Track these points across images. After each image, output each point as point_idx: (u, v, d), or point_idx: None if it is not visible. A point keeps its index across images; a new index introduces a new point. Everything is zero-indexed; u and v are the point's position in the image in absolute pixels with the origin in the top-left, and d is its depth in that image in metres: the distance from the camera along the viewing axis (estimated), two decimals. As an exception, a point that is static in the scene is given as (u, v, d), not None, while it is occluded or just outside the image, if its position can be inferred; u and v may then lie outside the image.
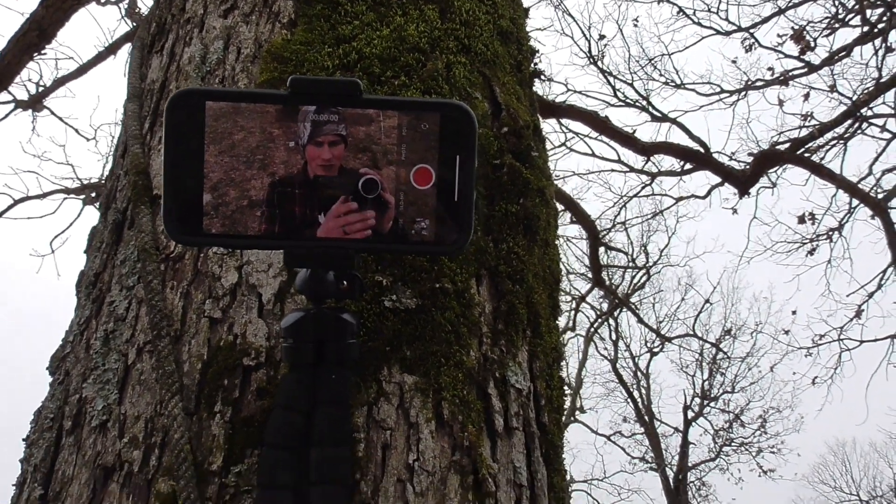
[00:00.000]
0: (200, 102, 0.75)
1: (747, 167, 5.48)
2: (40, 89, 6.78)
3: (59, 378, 1.06)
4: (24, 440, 1.07)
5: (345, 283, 0.82)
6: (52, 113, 7.31)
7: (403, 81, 1.09)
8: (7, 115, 6.53)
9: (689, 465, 17.77)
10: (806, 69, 7.39)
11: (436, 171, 0.77)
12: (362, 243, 0.76)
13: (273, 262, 0.98)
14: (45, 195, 6.86)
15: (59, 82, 6.70)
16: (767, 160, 4.08)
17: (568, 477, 1.02)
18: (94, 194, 7.70)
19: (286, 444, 0.79)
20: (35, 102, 6.95)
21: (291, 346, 0.81)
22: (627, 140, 3.85)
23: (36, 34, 3.11)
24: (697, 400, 18.11)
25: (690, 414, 18.11)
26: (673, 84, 8.93)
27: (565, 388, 1.12)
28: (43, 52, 3.23)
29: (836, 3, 7.27)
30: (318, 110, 0.76)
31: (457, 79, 1.13)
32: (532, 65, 1.42)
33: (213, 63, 1.17)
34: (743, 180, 3.94)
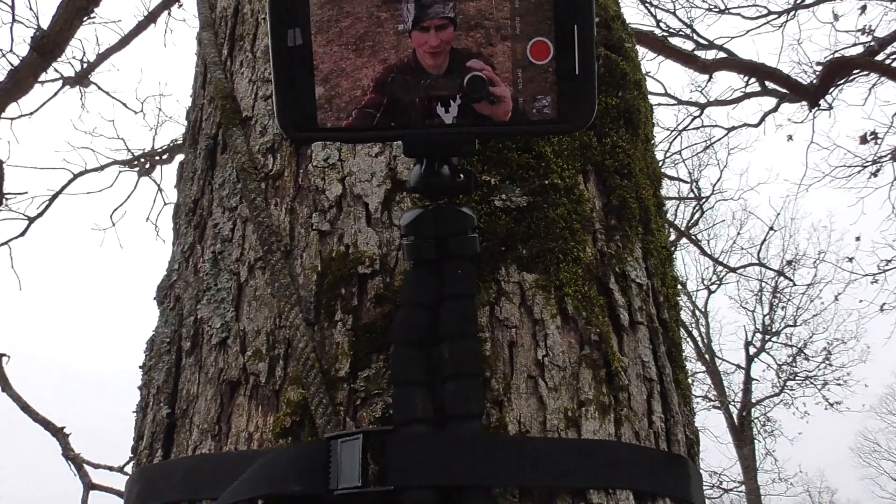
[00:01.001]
0: None
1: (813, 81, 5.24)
2: (85, 65, 6.85)
3: (169, 304, 1.06)
4: (140, 367, 1.09)
5: (461, 176, 0.80)
6: (99, 88, 7.40)
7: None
8: (57, 93, 6.62)
9: (753, 401, 17.60)
10: (863, -21, 7.00)
11: (553, 43, 0.72)
12: (483, 128, 0.73)
13: (376, 171, 0.95)
14: (102, 168, 6.99)
15: (103, 56, 6.76)
16: (837, 68, 3.88)
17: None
18: (147, 165, 7.82)
19: (416, 340, 0.77)
20: (82, 78, 7.04)
21: (413, 243, 0.79)
22: (687, 59, 3.70)
23: (85, -2, 3.12)
24: (759, 335, 17.84)
25: (752, 350, 17.88)
26: (717, 10, 8.58)
27: (678, 286, 1.08)
28: (92, 15, 3.24)
29: None
30: (421, -11, 0.72)
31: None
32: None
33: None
34: (812, 91, 3.77)
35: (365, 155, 0.97)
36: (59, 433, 3.75)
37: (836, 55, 5.30)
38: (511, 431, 0.80)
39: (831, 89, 3.85)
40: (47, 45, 3.29)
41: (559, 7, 0.72)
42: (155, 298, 1.12)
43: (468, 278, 0.79)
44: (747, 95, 7.22)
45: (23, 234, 6.44)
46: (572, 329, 0.87)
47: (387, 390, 0.82)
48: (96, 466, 4.27)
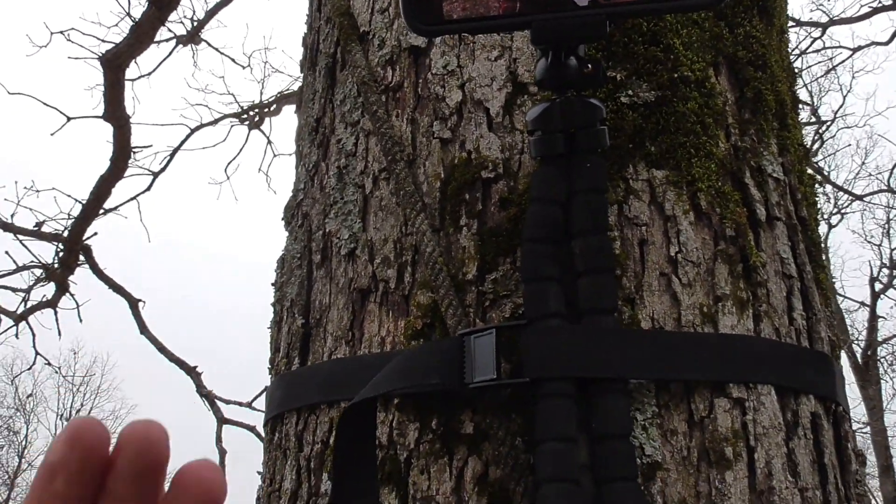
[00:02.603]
0: None
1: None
2: (195, 23, 7.08)
3: (297, 222, 1.10)
4: (272, 285, 1.13)
5: (589, 66, 0.77)
6: (209, 45, 7.65)
7: None
8: (172, 52, 6.89)
9: (879, 339, 16.67)
10: None
11: None
12: (618, 7, 0.70)
13: (496, 75, 0.94)
14: (216, 121, 7.27)
15: (211, 13, 6.96)
16: None
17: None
18: (256, 118, 8.08)
19: (547, 236, 0.76)
20: (193, 36, 7.28)
21: (540, 138, 0.78)
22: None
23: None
24: (885, 270, 16.77)
25: (878, 286, 16.86)
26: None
27: (816, 185, 1.02)
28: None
29: None
30: None
31: None
32: None
33: None
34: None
35: (484, 59, 0.95)
36: (192, 372, 4.03)
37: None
38: (645, 328, 0.78)
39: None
40: (163, -1, 3.42)
41: None
42: (283, 219, 1.16)
43: (599, 172, 0.77)
44: (877, 10, 6.63)
45: (148, 188, 6.82)
46: (706, 225, 0.84)
47: (515, 292, 0.82)
48: (227, 402, 4.57)
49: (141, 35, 3.52)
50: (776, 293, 0.84)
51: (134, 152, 4.43)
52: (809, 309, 0.87)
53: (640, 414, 0.73)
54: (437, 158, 0.93)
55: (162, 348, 4.21)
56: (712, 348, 0.76)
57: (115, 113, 3.88)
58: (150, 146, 5.02)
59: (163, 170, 6.94)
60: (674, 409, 0.74)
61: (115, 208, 5.94)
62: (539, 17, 0.71)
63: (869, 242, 16.70)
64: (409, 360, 0.79)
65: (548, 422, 0.69)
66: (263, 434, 1.07)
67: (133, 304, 4.52)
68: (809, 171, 1.01)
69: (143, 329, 4.33)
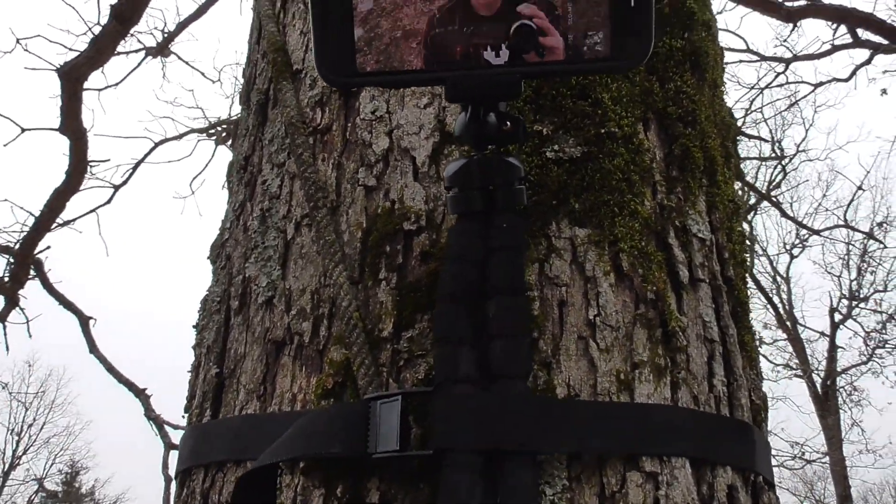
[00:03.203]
0: None
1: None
2: (165, 35, 7.00)
3: (220, 263, 1.06)
4: (193, 327, 1.09)
5: (508, 123, 0.75)
6: (179, 58, 7.57)
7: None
8: (140, 64, 6.80)
9: (839, 369, 16.93)
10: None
11: None
12: (533, 67, 0.68)
13: (424, 123, 0.92)
14: (181, 136, 7.18)
15: (182, 26, 6.89)
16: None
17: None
18: (224, 133, 8.00)
19: (462, 296, 0.74)
20: (162, 48, 7.20)
21: (458, 195, 0.76)
22: (769, 6, 3.46)
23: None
24: (845, 301, 17.08)
25: (838, 317, 17.15)
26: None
27: (747, 242, 1.01)
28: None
29: None
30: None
31: None
32: None
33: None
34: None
35: (413, 106, 0.93)
36: (141, 394, 3.92)
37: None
38: (559, 395, 0.76)
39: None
40: (125, 13, 3.37)
41: None
42: (208, 258, 1.12)
43: (516, 231, 0.75)
44: (837, 48, 6.79)
45: (108, 201, 6.70)
46: (627, 287, 0.82)
47: (431, 351, 0.80)
48: (175, 427, 4.45)
49: (101, 48, 3.46)
50: (696, 359, 0.82)
51: (91, 166, 4.34)
52: (731, 374, 0.85)
53: (550, 488, 0.71)
54: (361, 207, 0.90)
55: (111, 368, 4.10)
56: (627, 419, 0.74)
57: (72, 126, 3.80)
58: (108, 160, 4.94)
59: (124, 183, 6.82)
60: (585, 482, 0.72)
61: (73, 221, 5.82)
62: (453, 74, 0.69)
63: (829, 273, 17.01)
64: (312, 423, 0.75)
65: (450, 496, 0.66)
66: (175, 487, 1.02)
67: (84, 321, 4.40)
68: (742, 227, 1.00)
69: (93, 348, 4.22)
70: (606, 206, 0.85)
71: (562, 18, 0.67)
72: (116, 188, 6.74)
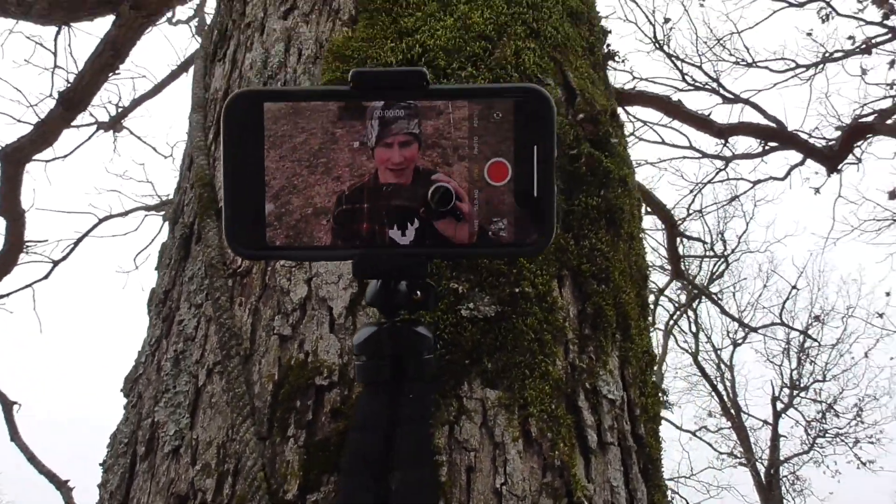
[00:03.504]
0: (258, 104, 0.70)
1: (831, 142, 5.16)
2: (119, 110, 7.00)
3: (132, 401, 1.03)
4: (101, 465, 1.05)
5: (418, 293, 0.76)
6: (132, 133, 7.55)
7: (471, 73, 1.02)
8: (90, 137, 6.76)
9: (782, 458, 17.08)
10: (890, 35, 6.97)
11: (512, 164, 0.69)
12: (437, 249, 0.69)
13: (343, 272, 0.92)
14: (127, 213, 7.09)
15: (137, 102, 6.90)
16: (857, 133, 3.81)
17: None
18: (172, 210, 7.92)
19: (365, 467, 0.73)
20: (115, 123, 7.19)
21: (365, 364, 0.76)
22: (702, 123, 3.65)
23: (111, 54, 3.18)
24: (786, 390, 17.39)
25: (780, 405, 17.42)
26: (744, 63, 8.56)
27: (660, 394, 1.03)
28: (117, 71, 3.30)
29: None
30: (385, 106, 0.70)
31: (527, 65, 1.05)
32: (605, 46, 1.33)
33: (274, 67, 1.13)
34: (830, 157, 3.69)
35: (332, 256, 0.94)
36: (63, 486, 3.71)
37: (862, 120, 5.23)
38: (463, 568, 0.74)
39: (850, 154, 3.77)
40: (73, 100, 3.36)
41: (518, 127, 0.69)
42: (122, 390, 1.09)
43: (424, 403, 0.75)
44: (772, 149, 7.14)
45: (46, 277, 6.52)
46: (535, 453, 0.82)
47: (336, 516, 0.78)
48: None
49: (46, 133, 3.43)
50: (604, 526, 0.82)
51: (28, 246, 4.23)
52: (639, 541, 0.85)
53: None
54: (274, 357, 0.89)
55: (32, 458, 3.89)
56: None
57: (10, 207, 3.72)
58: (46, 240, 4.81)
59: (64, 258, 6.66)
60: None
61: (5, 296, 5.63)
62: (360, 252, 0.70)
63: (771, 362, 17.35)
64: None
65: None
66: None
67: (7, 406, 4.20)
68: (654, 379, 1.02)
69: (14, 435, 4.01)
70: (518, 368, 0.86)
71: (468, 217, 0.69)
72: (55, 263, 6.57)
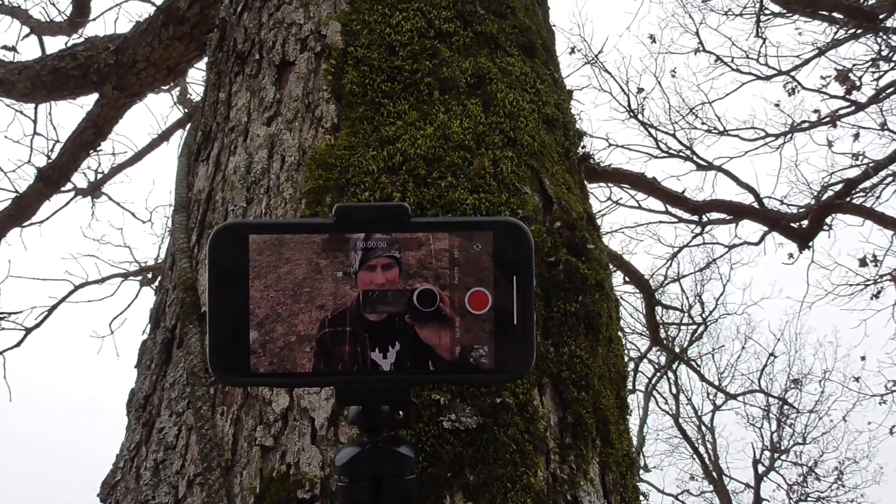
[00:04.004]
0: (244, 236, 0.72)
1: (802, 209, 5.30)
2: (99, 177, 7.01)
3: (109, 509, 1.02)
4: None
5: (400, 413, 0.77)
6: (110, 199, 7.56)
7: (450, 182, 1.06)
8: (68, 203, 6.74)
9: (765, 523, 16.85)
10: (853, 108, 7.24)
11: (492, 293, 0.72)
12: (420, 375, 0.71)
13: (324, 382, 0.93)
14: (103, 280, 7.03)
15: (116, 170, 6.93)
16: (827, 211, 3.93)
17: None
18: (150, 275, 7.88)
19: None
20: (94, 190, 7.19)
21: (347, 486, 0.76)
22: (677, 200, 3.75)
23: (92, 132, 3.22)
24: (767, 453, 17.32)
25: (761, 468, 17.31)
26: (716, 131, 8.81)
27: (641, 497, 1.03)
28: (99, 148, 3.33)
29: (879, 40, 7.15)
30: (367, 237, 0.72)
31: (504, 174, 1.09)
32: (580, 148, 1.38)
33: (257, 173, 1.16)
34: (801, 234, 3.80)
35: (314, 365, 0.95)
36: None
37: (830, 188, 5.40)
38: None
39: (820, 229, 3.89)
40: (52, 176, 3.38)
41: (498, 258, 0.72)
42: (98, 496, 1.08)
43: (405, 524, 0.75)
44: (743, 216, 7.29)
45: (18, 344, 6.41)
46: (518, 571, 0.82)
47: None
48: None
49: (23, 208, 3.43)
50: None
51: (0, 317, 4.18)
52: None
53: None
54: (256, 469, 0.89)
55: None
56: None
57: (-16, 280, 3.68)
58: (20, 312, 4.75)
59: (37, 326, 6.57)
60: None
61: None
62: (343, 378, 0.71)
63: (751, 425, 17.31)
64: None
65: None
66: None
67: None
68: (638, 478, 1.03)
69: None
70: (500, 481, 0.86)
71: (451, 320, 0.71)
72: (28, 331, 6.48)
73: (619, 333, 1.18)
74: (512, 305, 0.71)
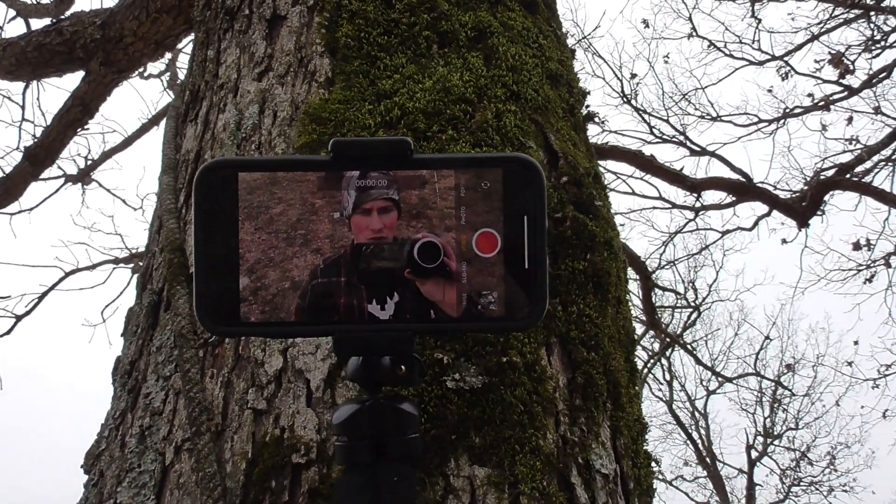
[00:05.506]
0: (232, 174, 0.67)
1: (796, 194, 5.26)
2: (88, 163, 6.93)
3: (93, 479, 0.97)
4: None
5: (402, 367, 0.72)
6: (100, 185, 7.47)
7: (451, 135, 1.00)
8: (58, 190, 6.66)
9: (758, 508, 16.93)
10: (847, 93, 7.21)
11: (501, 235, 0.66)
12: (423, 324, 0.66)
13: (321, 343, 0.88)
14: (94, 266, 6.95)
15: (106, 155, 6.85)
16: (826, 188, 3.89)
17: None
18: (141, 262, 7.80)
19: (346, 559, 0.68)
20: (84, 176, 7.10)
21: (346, 445, 0.71)
22: (675, 178, 3.70)
23: (79, 109, 3.14)
24: (760, 439, 17.39)
25: (754, 454, 17.39)
26: (709, 117, 8.77)
27: (652, 463, 0.99)
28: (86, 127, 3.26)
29: (871, 24, 7.12)
30: (362, 175, 0.67)
31: (508, 128, 1.04)
32: (584, 107, 1.32)
33: (248, 129, 1.10)
34: (801, 212, 3.76)
35: (310, 325, 0.89)
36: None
37: (823, 173, 5.37)
38: None
39: (819, 208, 3.85)
40: (39, 155, 3.30)
41: (507, 197, 0.67)
42: (82, 466, 1.02)
43: (408, 485, 0.70)
44: (740, 200, 7.27)
45: (8, 332, 6.35)
46: (528, 536, 0.78)
47: None
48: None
49: (10, 188, 3.35)
50: None
51: (-12, 302, 4.10)
52: None
53: None
54: (248, 433, 0.84)
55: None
56: None
57: (-30, 263, 3.61)
58: (9, 296, 4.68)
59: (27, 313, 6.50)
60: None
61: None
62: (340, 328, 0.66)
63: (744, 410, 17.37)
64: None
65: None
66: None
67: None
68: (646, 448, 0.98)
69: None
70: (507, 443, 0.81)
71: (456, 276, 0.66)
72: (18, 318, 6.41)
73: (628, 296, 1.13)
74: (523, 247, 0.66)
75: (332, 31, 1.15)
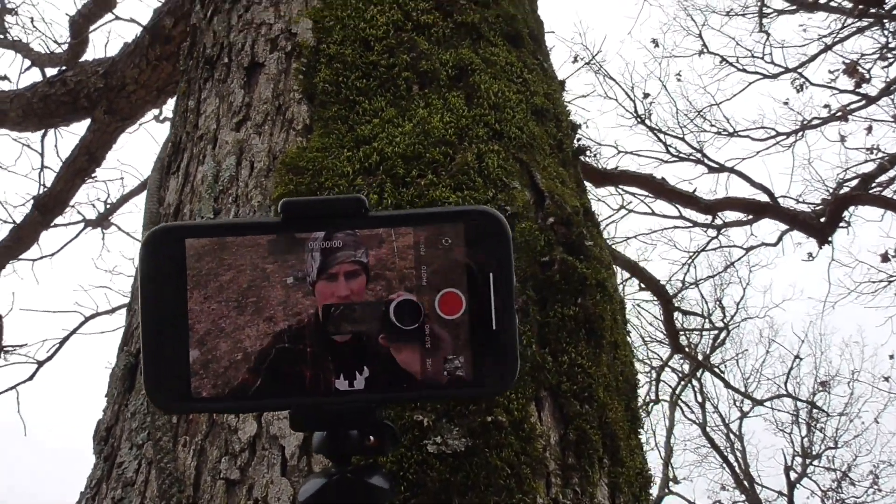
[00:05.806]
0: (178, 241, 0.63)
1: (817, 208, 5.16)
2: (107, 207, 7.00)
3: (69, 556, 0.93)
4: None
5: (371, 438, 0.67)
6: (120, 229, 7.55)
7: (431, 180, 0.96)
8: (78, 235, 6.73)
9: (799, 530, 16.47)
10: (864, 101, 7.10)
11: (466, 295, 0.62)
12: (388, 394, 0.61)
13: (295, 405, 0.84)
14: (114, 310, 6.99)
15: (125, 199, 6.91)
16: (844, 203, 3.79)
17: None
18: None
19: None
20: (102, 220, 7.18)
21: (312, 523, 0.66)
22: (689, 200, 3.63)
23: (85, 159, 3.17)
24: (799, 459, 16.95)
25: (793, 475, 16.94)
26: (725, 133, 8.68)
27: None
28: (94, 175, 3.28)
29: (886, 32, 7.02)
30: (327, 236, 0.62)
31: (490, 169, 1.00)
32: (575, 141, 1.28)
33: (225, 181, 1.07)
34: (820, 228, 3.67)
35: (284, 387, 0.85)
36: None
37: (846, 184, 5.26)
38: None
39: (839, 224, 3.75)
40: (48, 204, 3.33)
41: (471, 253, 0.62)
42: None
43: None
44: (758, 217, 7.15)
45: (31, 378, 6.38)
46: None
47: None
48: None
49: (22, 237, 3.38)
50: None
51: (6, 351, 4.12)
52: None
53: None
54: (220, 507, 0.79)
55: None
56: None
57: (-14, 314, 3.63)
58: (25, 345, 4.71)
59: (49, 359, 6.53)
60: None
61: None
62: (297, 400, 0.61)
63: (781, 430, 16.96)
64: None
65: None
66: None
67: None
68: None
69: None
70: (492, 510, 0.76)
71: (445, 339, 0.61)
72: (40, 364, 6.44)
73: (628, 338, 1.07)
74: (490, 307, 0.61)
75: (310, 77, 1.12)
